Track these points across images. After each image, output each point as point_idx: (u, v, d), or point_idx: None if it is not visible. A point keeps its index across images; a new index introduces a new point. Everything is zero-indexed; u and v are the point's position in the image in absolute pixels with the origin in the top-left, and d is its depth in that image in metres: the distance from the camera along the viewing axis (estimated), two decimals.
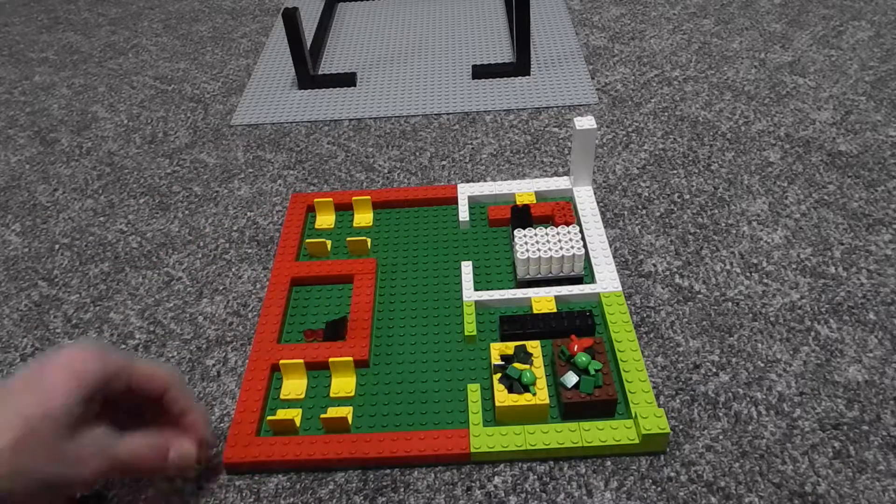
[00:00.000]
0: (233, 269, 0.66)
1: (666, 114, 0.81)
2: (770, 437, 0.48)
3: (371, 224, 0.68)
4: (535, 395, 0.49)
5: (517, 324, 0.55)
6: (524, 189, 0.68)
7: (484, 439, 0.48)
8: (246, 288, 0.64)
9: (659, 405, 0.51)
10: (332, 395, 0.53)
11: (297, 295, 0.61)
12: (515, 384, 0.49)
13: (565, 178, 0.70)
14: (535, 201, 0.67)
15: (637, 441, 0.47)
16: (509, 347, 0.52)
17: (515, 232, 0.60)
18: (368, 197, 0.69)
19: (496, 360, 0.51)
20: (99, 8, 1.21)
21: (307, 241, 0.65)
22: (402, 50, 0.99)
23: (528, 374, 0.49)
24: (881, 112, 0.78)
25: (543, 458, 0.48)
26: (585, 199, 0.66)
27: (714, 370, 0.53)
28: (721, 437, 0.49)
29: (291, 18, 0.84)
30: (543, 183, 0.69)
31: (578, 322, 0.54)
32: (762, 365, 0.53)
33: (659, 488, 0.46)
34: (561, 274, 0.59)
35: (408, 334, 0.57)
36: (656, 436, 0.47)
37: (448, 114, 0.85)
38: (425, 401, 0.52)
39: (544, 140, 0.79)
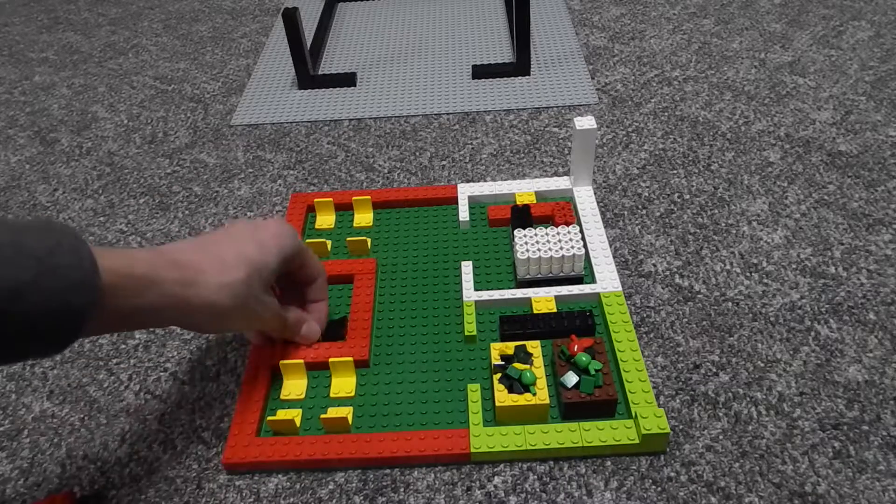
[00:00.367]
0: None
1: (666, 114, 0.81)
2: (770, 437, 0.48)
3: (371, 224, 0.68)
4: (535, 395, 0.49)
5: (517, 324, 0.55)
6: (524, 189, 0.68)
7: (484, 439, 0.48)
8: None
9: (659, 405, 0.51)
10: (332, 395, 0.53)
11: None
12: (515, 384, 0.49)
13: (565, 178, 0.70)
14: (535, 201, 0.67)
15: (637, 441, 0.47)
16: (509, 347, 0.52)
17: (515, 232, 0.60)
18: (368, 197, 0.69)
19: (496, 360, 0.51)
20: (99, 8, 1.21)
21: (307, 241, 0.65)
22: (402, 50, 0.99)
23: (528, 374, 0.49)
24: (881, 112, 0.78)
25: (543, 458, 0.48)
26: (585, 199, 0.66)
27: (714, 370, 0.53)
28: (721, 437, 0.49)
29: (291, 18, 0.84)
30: (543, 183, 0.69)
31: (578, 322, 0.54)
32: (762, 365, 0.53)
33: (659, 488, 0.46)
34: (561, 274, 0.59)
35: (408, 334, 0.57)
36: (656, 436, 0.47)
37: (448, 114, 0.85)
38: (425, 401, 0.52)
39: (544, 140, 0.79)
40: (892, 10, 0.97)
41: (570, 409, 0.49)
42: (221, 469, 0.49)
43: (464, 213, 0.67)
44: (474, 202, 0.69)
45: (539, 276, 0.59)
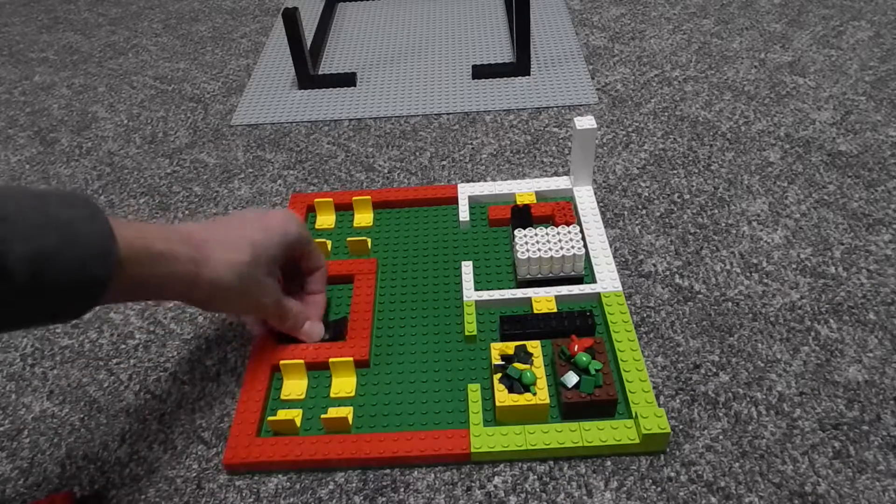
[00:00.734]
0: None
1: (666, 114, 0.81)
2: (770, 437, 0.48)
3: (371, 224, 0.68)
4: (535, 395, 0.49)
5: (517, 324, 0.55)
6: (524, 189, 0.68)
7: (484, 439, 0.48)
8: None
9: (659, 405, 0.51)
10: (332, 395, 0.53)
11: None
12: (516, 384, 0.49)
13: (565, 178, 0.70)
14: (535, 201, 0.67)
15: (637, 441, 0.47)
16: (509, 347, 0.52)
17: (516, 232, 0.60)
18: (368, 197, 0.69)
19: (496, 360, 0.51)
20: (99, 8, 1.21)
21: None
22: (402, 50, 0.99)
23: (528, 374, 0.49)
24: (881, 112, 0.78)
25: (543, 458, 0.48)
26: (585, 199, 0.66)
27: (714, 370, 0.53)
28: (721, 437, 0.49)
29: (291, 18, 0.84)
30: (544, 183, 0.69)
31: (579, 322, 0.54)
32: (762, 365, 0.53)
33: (659, 488, 0.46)
34: (561, 274, 0.59)
35: (408, 334, 0.57)
36: (656, 436, 0.47)
37: (448, 114, 0.85)
38: (425, 401, 0.52)
39: (544, 140, 0.79)
40: (892, 10, 0.97)
41: (571, 408, 0.49)
42: (221, 469, 0.49)
43: (464, 213, 0.67)
44: (474, 202, 0.69)
45: (539, 276, 0.59)
